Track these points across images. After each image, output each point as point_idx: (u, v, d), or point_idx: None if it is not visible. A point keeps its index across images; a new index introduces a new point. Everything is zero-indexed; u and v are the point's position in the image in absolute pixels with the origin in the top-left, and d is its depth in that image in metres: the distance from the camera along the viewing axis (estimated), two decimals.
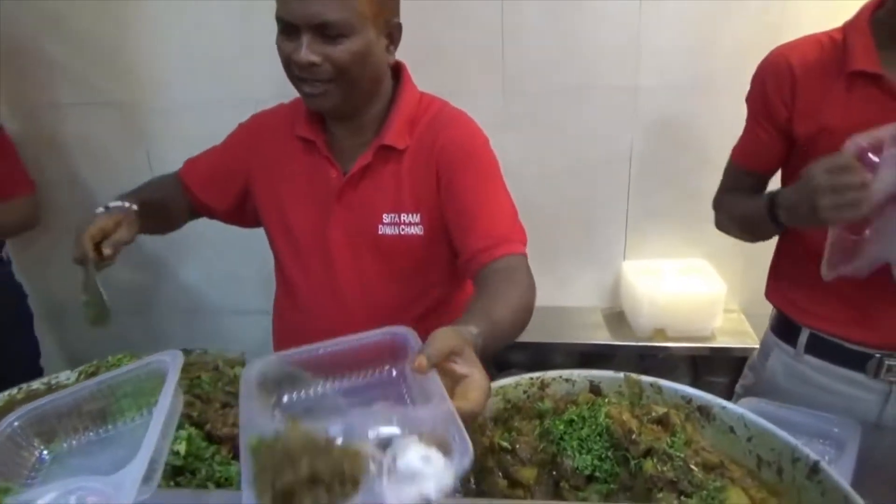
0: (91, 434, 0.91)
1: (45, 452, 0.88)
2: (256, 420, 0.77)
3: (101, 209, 1.18)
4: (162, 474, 0.96)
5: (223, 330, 2.48)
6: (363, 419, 0.75)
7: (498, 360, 2.16)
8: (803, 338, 1.34)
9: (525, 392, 1.18)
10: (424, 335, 0.86)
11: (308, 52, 1.11)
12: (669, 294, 2.04)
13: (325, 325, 1.29)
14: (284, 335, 1.46)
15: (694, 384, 1.14)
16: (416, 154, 1.27)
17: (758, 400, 1.28)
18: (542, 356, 2.16)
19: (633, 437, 0.99)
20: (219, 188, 1.41)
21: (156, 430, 0.73)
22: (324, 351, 0.93)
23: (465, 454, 0.69)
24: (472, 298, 1.15)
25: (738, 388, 1.53)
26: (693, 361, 2.16)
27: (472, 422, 0.81)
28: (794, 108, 1.24)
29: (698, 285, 2.09)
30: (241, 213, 1.44)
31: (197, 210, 1.44)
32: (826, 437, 1.21)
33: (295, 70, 1.16)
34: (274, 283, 1.47)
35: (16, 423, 0.85)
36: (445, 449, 0.71)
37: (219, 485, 0.96)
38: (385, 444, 0.73)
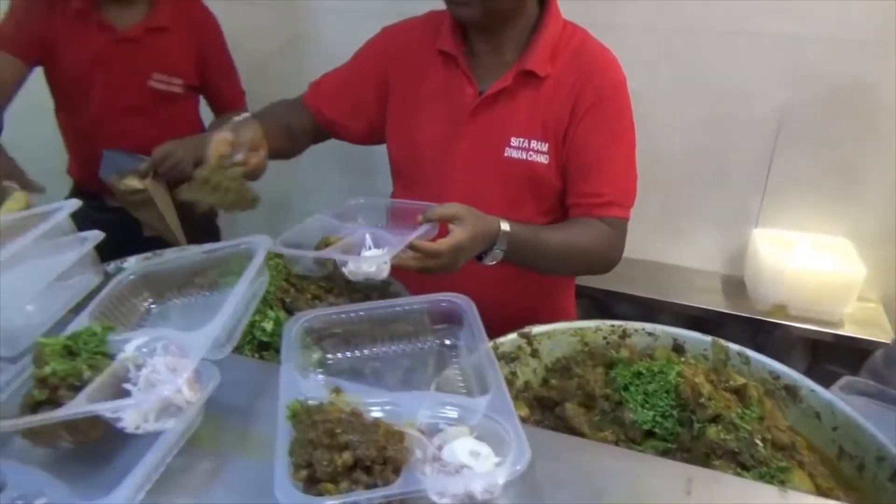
0: (190, 297, 1.02)
1: (153, 306, 1.00)
2: (296, 381, 0.77)
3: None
4: (249, 347, 1.07)
5: None
6: (412, 400, 0.74)
7: (601, 309, 2.12)
8: None
9: (605, 338, 1.16)
10: None
11: None
12: (798, 268, 1.88)
13: None
14: None
15: (810, 370, 1.07)
16: (556, 84, 1.25)
17: (864, 383, 1.15)
18: (649, 312, 2.09)
19: (701, 400, 0.95)
20: (353, 107, 1.41)
21: (233, 301, 0.80)
22: (375, 310, 0.95)
23: (521, 458, 0.65)
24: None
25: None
26: (813, 345, 1.99)
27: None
28: None
29: (833, 264, 1.90)
30: (374, 131, 1.43)
31: (325, 132, 1.45)
32: None
33: None
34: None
35: (132, 276, 0.97)
36: (497, 445, 0.69)
37: None
38: (433, 429, 0.72)
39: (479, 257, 1.15)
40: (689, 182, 2.09)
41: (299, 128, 1.40)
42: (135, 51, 1.73)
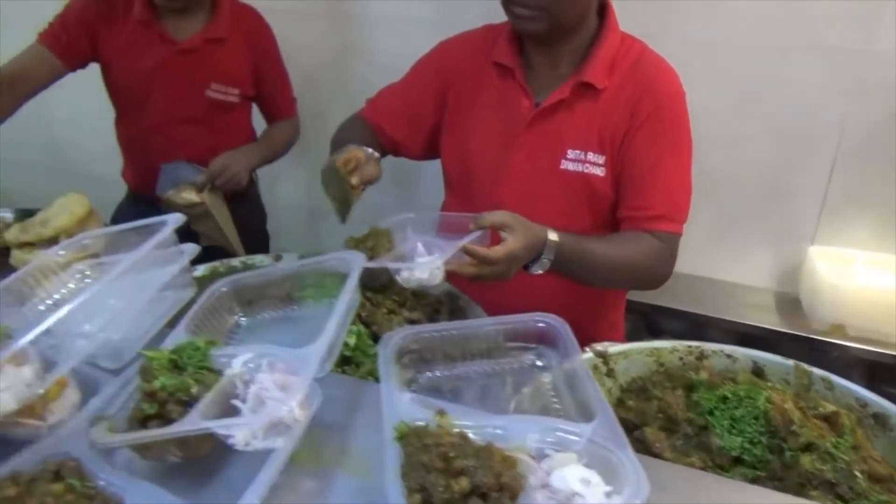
0: (279, 311, 1.03)
1: (243, 319, 1.01)
2: (399, 402, 0.77)
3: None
4: None
5: None
6: (520, 423, 0.74)
7: (650, 325, 2.10)
8: None
9: (681, 359, 1.15)
10: None
11: None
12: (859, 287, 1.84)
13: None
14: None
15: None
16: (613, 97, 1.25)
17: None
18: (698, 328, 2.06)
19: (793, 428, 0.94)
20: (412, 124, 1.42)
21: (336, 319, 0.81)
22: (465, 330, 0.97)
23: (640, 491, 0.64)
24: None
25: None
26: (871, 366, 1.95)
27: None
28: None
29: (895, 283, 1.86)
30: (432, 146, 1.44)
31: (389, 151, 1.46)
32: None
33: None
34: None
35: (223, 289, 0.98)
36: (607, 473, 0.68)
37: (377, 380, 1.04)
38: (540, 455, 0.71)
39: (526, 266, 1.14)
40: (742, 197, 2.06)
41: (378, 150, 1.39)
42: (194, 61, 1.74)
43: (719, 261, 2.16)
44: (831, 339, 1.91)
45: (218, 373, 0.81)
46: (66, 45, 1.68)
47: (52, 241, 1.44)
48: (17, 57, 1.66)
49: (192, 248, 0.94)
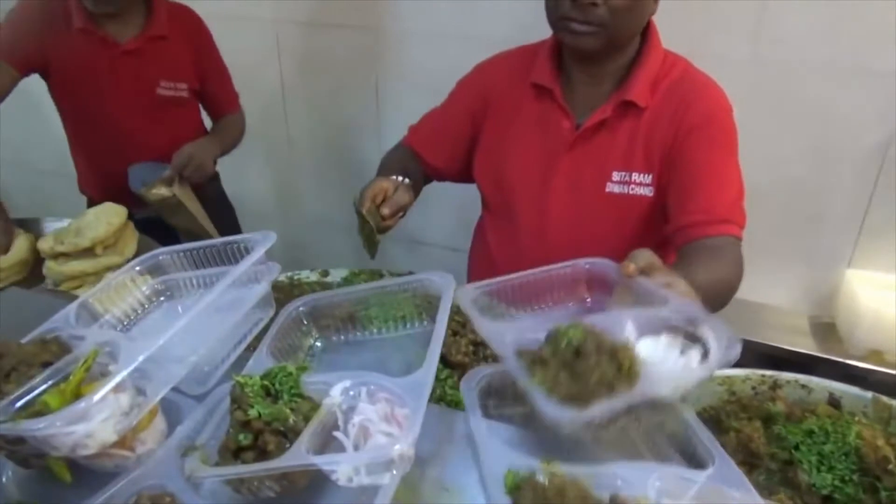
0: (353, 333, 0.98)
1: (318, 342, 0.97)
2: (494, 447, 0.76)
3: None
4: None
5: (418, 259, 2.57)
6: (636, 472, 0.71)
7: None
8: None
9: (753, 388, 1.12)
10: None
11: None
12: None
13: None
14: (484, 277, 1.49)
15: None
16: (656, 115, 1.22)
17: None
18: None
19: (890, 467, 0.91)
20: (451, 151, 1.41)
21: (436, 347, 0.77)
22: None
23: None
24: (677, 261, 1.12)
25: None
26: None
27: None
28: None
29: None
30: (471, 169, 1.42)
31: (431, 176, 1.45)
32: None
33: (566, 8, 1.13)
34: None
35: (301, 309, 0.94)
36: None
37: (448, 406, 1.00)
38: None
39: None
40: (780, 217, 2.04)
41: (420, 175, 1.41)
42: (139, 62, 1.76)
43: (752, 282, 2.11)
44: (869, 365, 1.89)
45: (310, 399, 0.77)
46: (19, 54, 1.70)
47: (88, 251, 1.40)
48: None
49: (276, 268, 0.90)
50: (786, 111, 1.94)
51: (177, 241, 1.66)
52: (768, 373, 1.13)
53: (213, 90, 1.94)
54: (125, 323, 0.87)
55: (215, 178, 2.09)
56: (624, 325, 0.76)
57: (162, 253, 0.92)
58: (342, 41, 2.34)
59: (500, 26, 1.95)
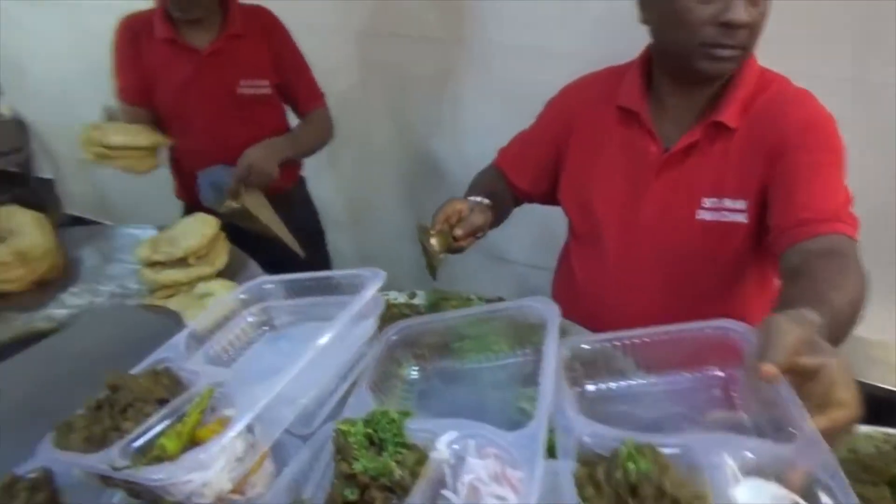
0: (448, 362, 0.94)
1: (414, 373, 0.93)
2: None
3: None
4: None
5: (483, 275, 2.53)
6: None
7: None
8: None
9: (876, 447, 1.03)
10: None
11: (745, 10, 1.04)
12: None
13: (614, 307, 1.27)
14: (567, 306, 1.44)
15: None
16: (748, 135, 1.15)
17: None
18: None
19: None
20: (537, 173, 1.40)
21: (547, 392, 0.73)
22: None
23: None
24: (797, 280, 0.95)
25: None
26: None
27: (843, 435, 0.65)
28: None
29: None
30: (557, 195, 1.40)
31: (518, 198, 1.45)
32: None
33: (711, 34, 1.07)
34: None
35: (393, 338, 0.92)
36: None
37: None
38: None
39: None
40: (880, 238, 1.89)
41: (508, 196, 1.42)
42: (220, 64, 1.78)
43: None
44: None
45: (414, 448, 0.74)
46: (141, 92, 1.79)
47: (181, 261, 1.43)
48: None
49: (381, 303, 0.88)
50: (884, 133, 1.79)
51: (255, 241, 1.73)
52: (892, 431, 1.04)
53: (294, 85, 1.94)
54: (229, 352, 0.87)
55: (301, 182, 2.12)
56: (721, 461, 0.61)
57: (267, 282, 0.91)
58: (423, 53, 2.31)
59: (584, 42, 1.90)
